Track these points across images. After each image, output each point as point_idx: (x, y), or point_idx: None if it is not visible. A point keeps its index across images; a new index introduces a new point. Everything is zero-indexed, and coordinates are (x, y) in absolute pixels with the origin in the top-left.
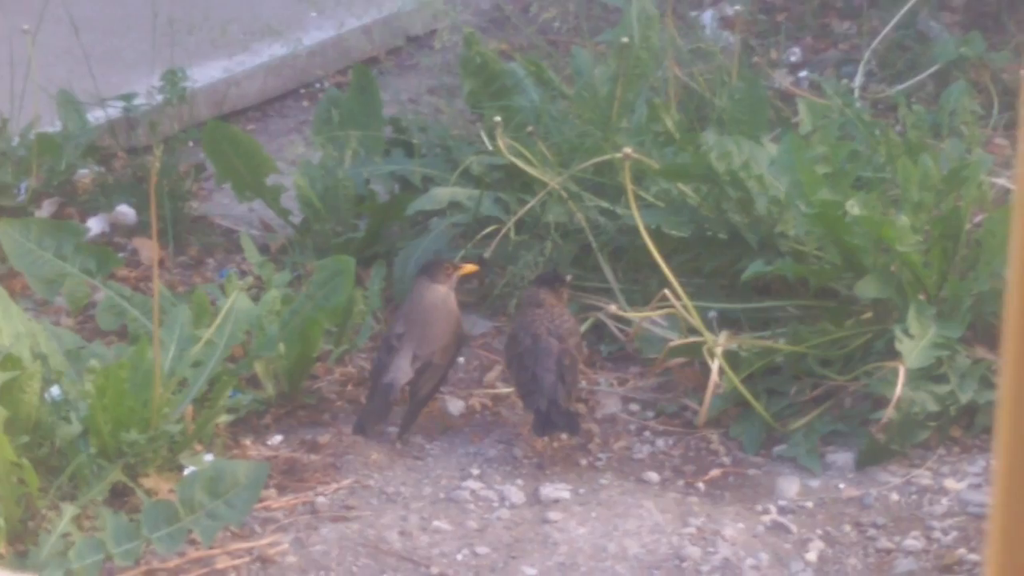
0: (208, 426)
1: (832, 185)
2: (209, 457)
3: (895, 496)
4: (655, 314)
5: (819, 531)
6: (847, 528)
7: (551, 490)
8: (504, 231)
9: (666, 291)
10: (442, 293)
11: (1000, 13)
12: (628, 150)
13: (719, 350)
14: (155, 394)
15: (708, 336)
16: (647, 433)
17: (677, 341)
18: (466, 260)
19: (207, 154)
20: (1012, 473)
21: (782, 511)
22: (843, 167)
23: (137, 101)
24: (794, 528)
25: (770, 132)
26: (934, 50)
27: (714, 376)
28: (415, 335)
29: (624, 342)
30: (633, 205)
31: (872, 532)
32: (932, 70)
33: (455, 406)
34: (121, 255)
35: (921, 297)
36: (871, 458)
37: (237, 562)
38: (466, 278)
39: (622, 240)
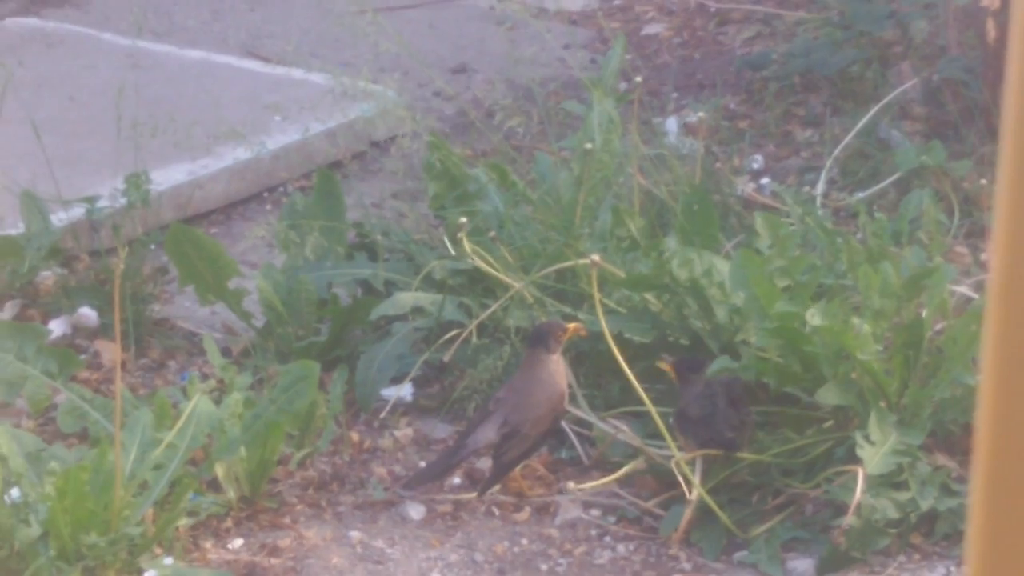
0: (168, 529)
1: (791, 297)
2: (169, 560)
3: None
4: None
5: None
6: None
7: None
8: (464, 335)
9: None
10: (551, 366)
11: (960, 123)
12: (595, 257)
13: (683, 457)
14: (115, 496)
15: (672, 444)
16: (608, 538)
17: (640, 446)
18: (564, 326)
19: (170, 257)
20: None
21: None
22: (802, 280)
23: (100, 203)
24: None
25: (731, 240)
26: (896, 158)
27: (685, 487)
28: (512, 402)
29: (586, 447)
30: (599, 311)
31: None
32: (893, 178)
33: (416, 511)
34: (83, 357)
35: (882, 404)
36: (832, 565)
37: None
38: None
39: (584, 345)
